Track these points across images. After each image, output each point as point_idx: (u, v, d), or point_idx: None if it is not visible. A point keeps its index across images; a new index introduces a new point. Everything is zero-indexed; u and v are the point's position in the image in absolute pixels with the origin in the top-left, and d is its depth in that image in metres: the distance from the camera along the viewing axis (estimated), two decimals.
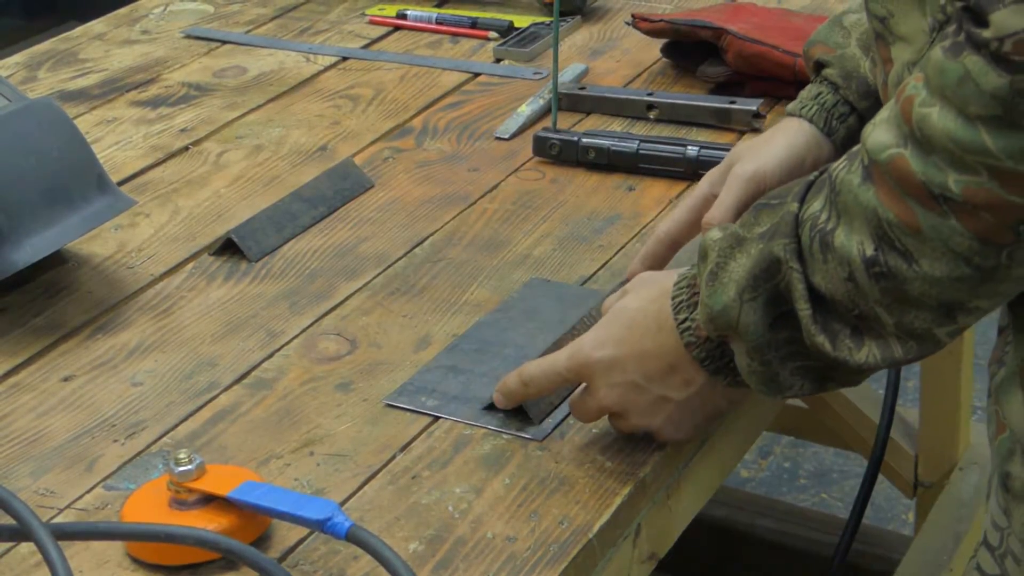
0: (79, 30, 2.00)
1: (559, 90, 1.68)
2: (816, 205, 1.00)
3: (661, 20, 1.75)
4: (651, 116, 1.67)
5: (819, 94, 1.31)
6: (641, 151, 1.55)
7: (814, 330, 1.00)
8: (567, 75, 1.77)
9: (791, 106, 1.34)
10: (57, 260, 1.42)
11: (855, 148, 0.99)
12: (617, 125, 1.67)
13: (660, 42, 1.80)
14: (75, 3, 3.94)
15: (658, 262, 1.30)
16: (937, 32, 1.00)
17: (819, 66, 1.34)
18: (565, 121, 1.67)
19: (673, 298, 1.09)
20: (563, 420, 1.18)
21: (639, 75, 1.79)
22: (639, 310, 1.11)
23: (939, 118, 0.91)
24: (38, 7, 4.32)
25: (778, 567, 2.46)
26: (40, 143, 1.34)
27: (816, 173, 1.03)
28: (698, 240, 1.24)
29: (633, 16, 1.78)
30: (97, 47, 1.94)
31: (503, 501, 1.09)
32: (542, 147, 1.59)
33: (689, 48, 1.76)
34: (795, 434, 2.70)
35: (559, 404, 1.19)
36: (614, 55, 1.85)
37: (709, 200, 1.30)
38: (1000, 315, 1.11)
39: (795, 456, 3.02)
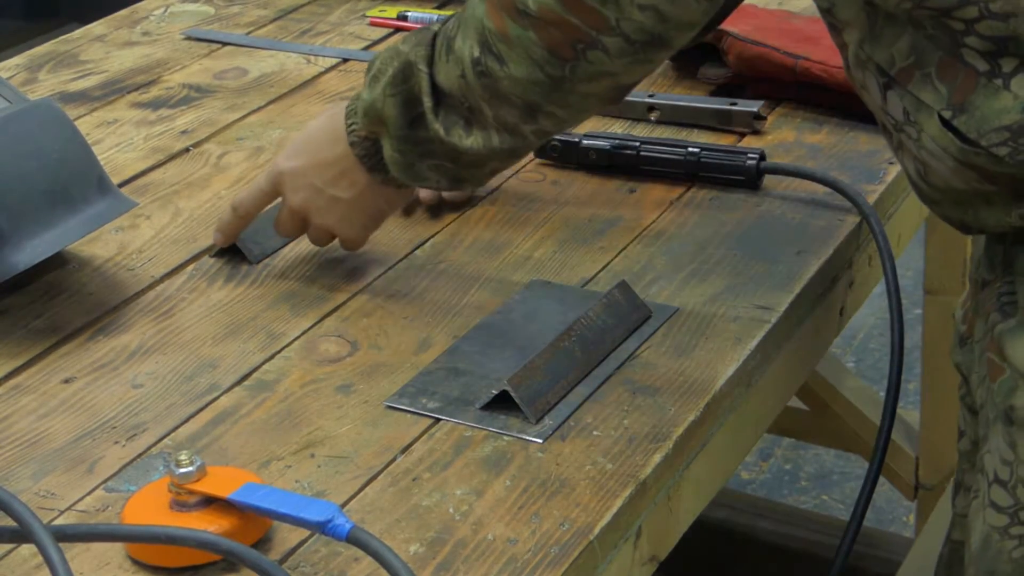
0: (80, 32, 2.00)
1: None
2: (451, 21, 1.22)
3: None
4: (652, 118, 1.67)
5: None
6: (642, 153, 1.55)
7: (432, 118, 1.23)
8: None
9: None
10: (58, 262, 1.42)
11: None
12: (618, 127, 1.67)
13: None
14: (76, 5, 3.95)
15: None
16: (870, 7, 1.13)
17: None
18: None
19: (346, 108, 1.30)
20: (564, 422, 1.18)
21: None
22: (319, 127, 1.33)
23: None
24: (39, 9, 4.33)
25: (779, 569, 2.45)
26: (41, 145, 1.33)
27: None
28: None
29: None
30: (98, 49, 1.94)
31: (504, 503, 1.09)
32: (543, 148, 1.59)
33: (690, 50, 1.76)
34: (796, 436, 2.71)
35: (556, 403, 1.19)
36: None
37: None
38: (975, 269, 1.25)
39: (796, 458, 3.02)
